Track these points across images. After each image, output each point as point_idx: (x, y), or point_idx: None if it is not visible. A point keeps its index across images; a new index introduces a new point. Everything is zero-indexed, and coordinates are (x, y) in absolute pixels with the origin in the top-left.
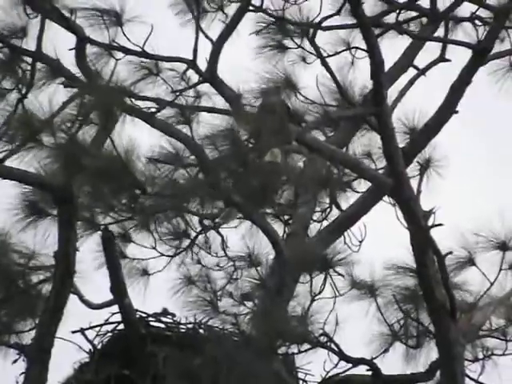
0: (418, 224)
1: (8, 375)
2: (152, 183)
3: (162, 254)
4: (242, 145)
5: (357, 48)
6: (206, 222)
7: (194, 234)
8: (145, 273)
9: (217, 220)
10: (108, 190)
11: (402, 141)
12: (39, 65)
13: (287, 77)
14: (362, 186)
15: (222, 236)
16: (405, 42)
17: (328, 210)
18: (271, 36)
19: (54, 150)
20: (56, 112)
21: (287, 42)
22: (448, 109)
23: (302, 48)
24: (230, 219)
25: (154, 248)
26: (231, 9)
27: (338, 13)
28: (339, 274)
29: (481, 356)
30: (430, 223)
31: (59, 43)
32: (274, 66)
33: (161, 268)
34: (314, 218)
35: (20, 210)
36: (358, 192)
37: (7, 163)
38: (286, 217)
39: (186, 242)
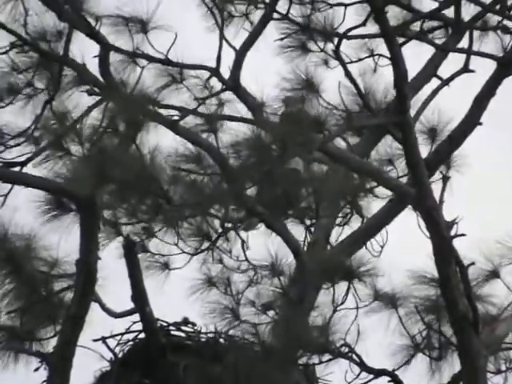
0: (441, 234)
1: (30, 383)
2: (176, 192)
3: (183, 251)
4: (267, 153)
5: (380, 55)
6: (227, 225)
7: (215, 236)
8: (166, 267)
9: (239, 225)
10: (133, 197)
11: (424, 151)
12: (67, 69)
13: (309, 79)
14: (385, 192)
15: (242, 239)
16: (428, 51)
17: (349, 215)
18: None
19: (81, 160)
20: (80, 117)
21: (310, 45)
22: (472, 121)
23: (325, 52)
24: (252, 228)
25: (176, 245)
26: (256, 16)
27: (363, 24)
28: (361, 281)
29: (503, 368)
30: (452, 233)
31: (89, 49)
32: (295, 67)
33: (181, 265)
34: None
35: (43, 203)
36: (379, 198)
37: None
38: (308, 222)
39: (208, 244)
